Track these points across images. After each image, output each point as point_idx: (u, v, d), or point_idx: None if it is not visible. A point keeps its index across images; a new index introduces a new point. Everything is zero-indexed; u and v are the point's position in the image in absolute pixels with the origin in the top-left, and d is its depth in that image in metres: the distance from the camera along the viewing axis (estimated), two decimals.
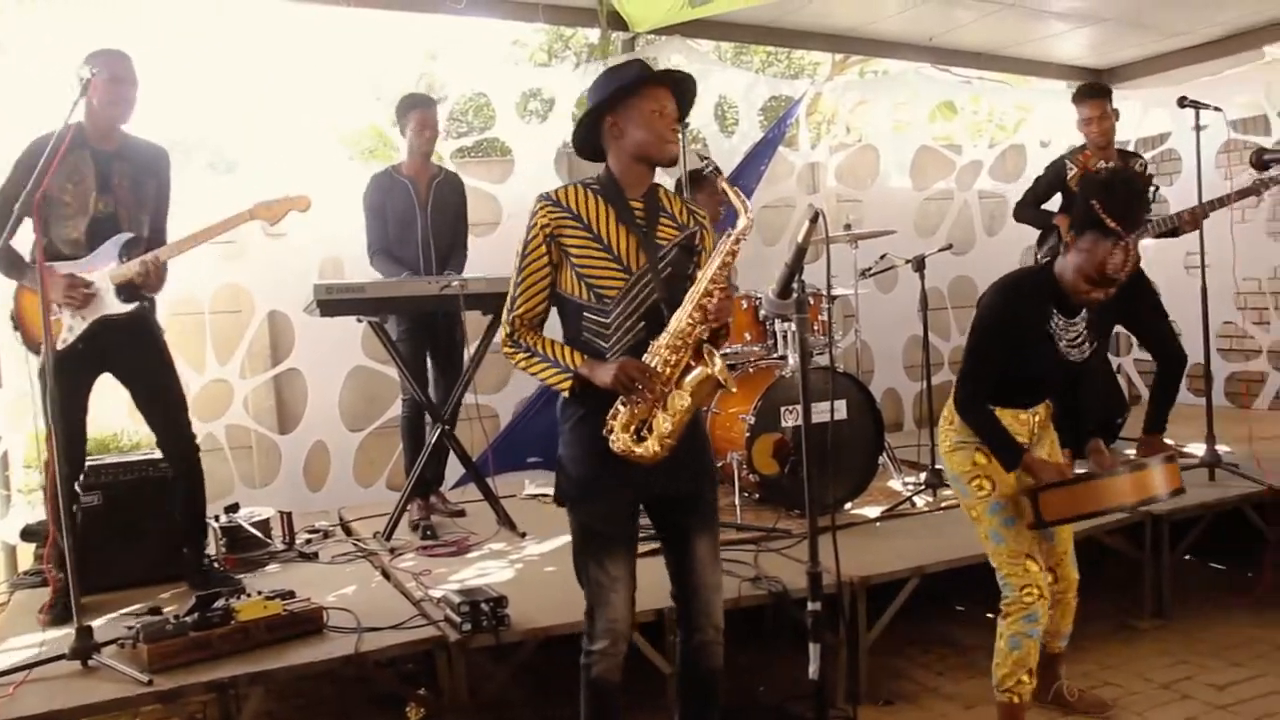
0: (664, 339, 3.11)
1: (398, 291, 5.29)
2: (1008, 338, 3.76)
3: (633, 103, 3.19)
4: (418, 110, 5.77)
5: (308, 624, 3.98)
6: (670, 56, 7.55)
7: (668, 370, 3.09)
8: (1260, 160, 3.53)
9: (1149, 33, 7.99)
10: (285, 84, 6.65)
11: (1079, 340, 3.83)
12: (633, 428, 3.09)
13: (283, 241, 6.48)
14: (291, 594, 4.09)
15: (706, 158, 3.50)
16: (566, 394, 3.16)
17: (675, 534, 3.33)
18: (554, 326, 3.27)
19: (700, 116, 7.84)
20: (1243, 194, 6.05)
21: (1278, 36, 7.97)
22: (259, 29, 7.96)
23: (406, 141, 5.81)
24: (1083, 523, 4.13)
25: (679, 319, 3.11)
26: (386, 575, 4.87)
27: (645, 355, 3.12)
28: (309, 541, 5.54)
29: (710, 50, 8.36)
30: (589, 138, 3.32)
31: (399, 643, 3.88)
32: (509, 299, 3.23)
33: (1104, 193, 3.58)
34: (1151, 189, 3.60)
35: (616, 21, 6.97)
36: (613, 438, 3.09)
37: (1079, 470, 3.86)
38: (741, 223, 3.22)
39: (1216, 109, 5.93)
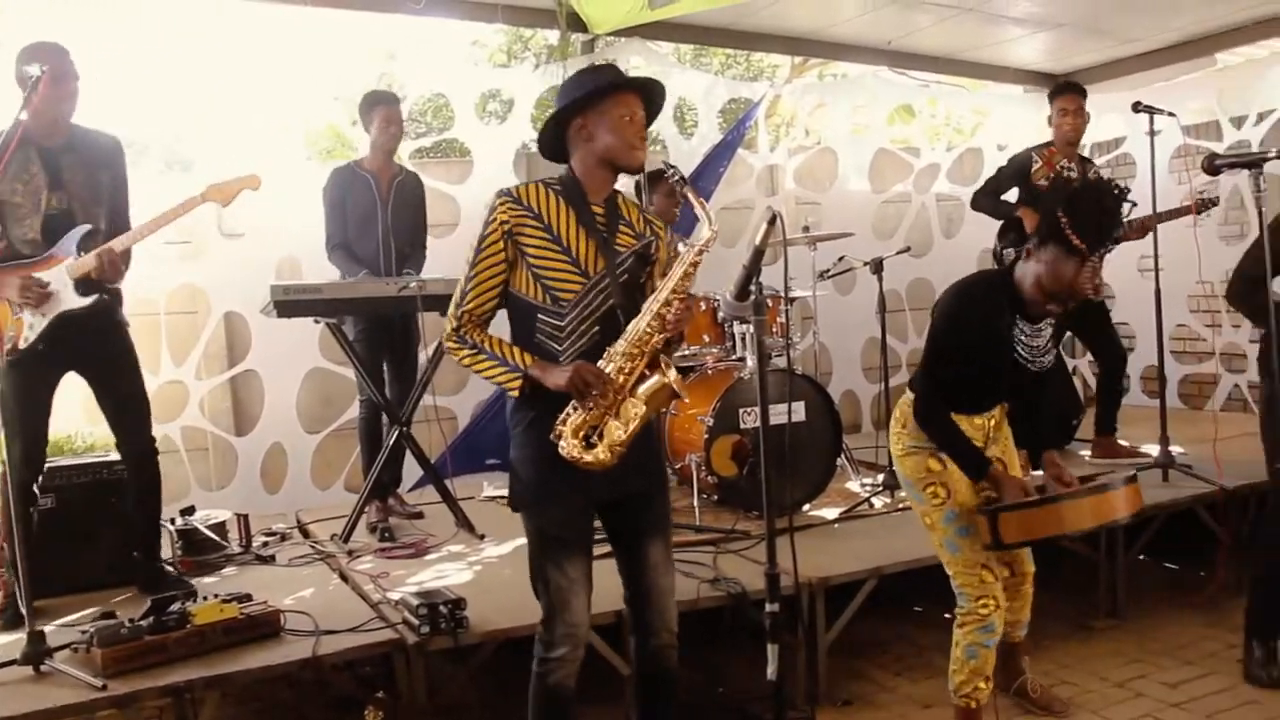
0: (621, 346, 3.10)
1: (355, 293, 5.27)
2: (965, 345, 3.71)
3: (604, 107, 3.16)
4: (383, 106, 5.76)
5: (265, 627, 3.94)
6: (629, 58, 7.55)
7: (622, 378, 3.08)
8: (1212, 166, 3.55)
9: (1104, 38, 8.08)
10: (242, 83, 6.60)
11: (1045, 349, 3.80)
12: (582, 434, 3.06)
13: (240, 242, 6.44)
14: (248, 597, 4.07)
15: (673, 166, 3.48)
16: (515, 395, 3.13)
17: (628, 537, 3.32)
18: (499, 325, 3.25)
19: (659, 118, 7.81)
20: (1186, 211, 6.14)
21: (1230, 43, 8.11)
22: (216, 27, 7.89)
23: (370, 138, 5.79)
24: None
25: (637, 326, 3.10)
26: (344, 578, 4.85)
27: (601, 361, 3.10)
28: (266, 544, 5.50)
29: (670, 52, 8.39)
30: (555, 138, 3.29)
31: (357, 645, 3.86)
32: (458, 292, 3.18)
33: (1071, 208, 3.49)
34: (1126, 205, 3.54)
35: (576, 23, 6.97)
36: (561, 443, 3.06)
37: (1035, 475, 3.88)
38: (706, 233, 3.21)
39: (1170, 114, 6.00)
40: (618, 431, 3.06)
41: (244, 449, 6.65)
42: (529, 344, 3.17)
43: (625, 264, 3.23)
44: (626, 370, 3.09)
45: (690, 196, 3.28)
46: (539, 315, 3.15)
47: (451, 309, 3.19)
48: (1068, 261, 3.49)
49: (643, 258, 3.29)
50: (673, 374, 3.08)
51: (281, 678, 3.93)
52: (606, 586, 3.36)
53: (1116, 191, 3.54)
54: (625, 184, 6.88)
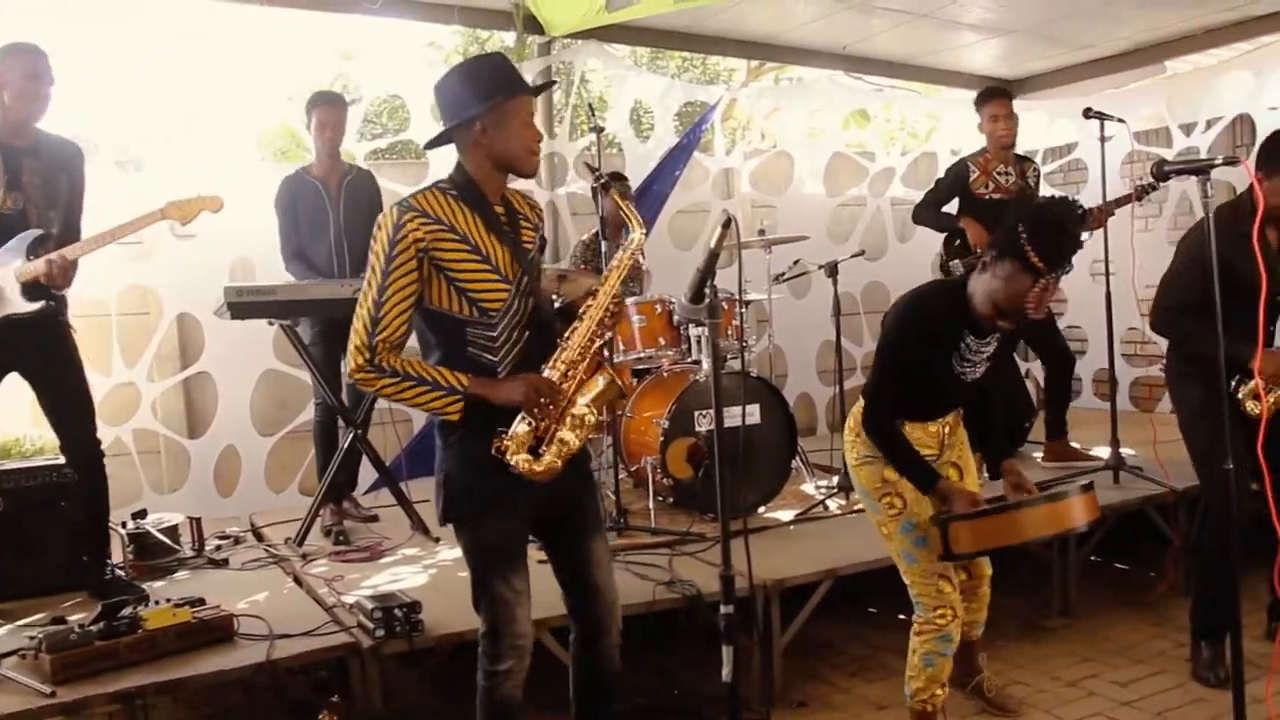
0: (565, 353, 3.08)
1: (309, 294, 5.24)
2: (917, 356, 3.69)
3: (506, 109, 3.05)
4: (317, 108, 5.74)
5: (218, 631, 3.92)
6: (586, 60, 7.57)
7: (568, 384, 3.08)
8: (1161, 172, 3.59)
9: (1057, 45, 8.16)
10: (195, 82, 6.55)
11: (982, 361, 3.79)
12: (528, 445, 3.03)
13: (192, 243, 6.38)
14: (201, 601, 4.03)
15: (596, 169, 3.48)
16: (455, 418, 2.99)
17: (567, 540, 3.30)
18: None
19: (616, 121, 7.86)
20: (1138, 194, 6.20)
21: (1179, 51, 8.21)
22: (168, 25, 7.83)
23: (311, 137, 5.78)
24: None
25: (581, 334, 3.09)
26: (299, 581, 4.82)
27: (546, 370, 3.07)
28: (219, 548, 5.46)
29: (626, 55, 8.41)
30: (451, 129, 3.13)
31: (311, 650, 3.85)
32: (367, 320, 2.96)
33: (1034, 227, 3.41)
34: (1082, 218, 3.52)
35: (532, 25, 6.97)
36: (510, 458, 3.00)
37: (992, 485, 3.89)
38: (635, 236, 3.20)
39: (1120, 120, 6.08)
40: (570, 437, 3.05)
41: (197, 451, 6.59)
42: (459, 360, 3.05)
43: (535, 260, 3.21)
44: (571, 376, 3.09)
45: (615, 199, 3.28)
46: (467, 329, 3.04)
47: (359, 339, 2.96)
48: (1023, 278, 3.44)
49: (541, 248, 3.28)
50: (612, 376, 3.11)
51: (235, 683, 3.89)
52: (555, 588, 3.35)
53: (1079, 214, 3.53)
54: (584, 186, 6.93)
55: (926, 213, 6.65)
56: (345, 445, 5.54)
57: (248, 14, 6.49)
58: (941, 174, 6.87)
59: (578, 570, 3.30)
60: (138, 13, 7.57)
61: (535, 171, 3.21)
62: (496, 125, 3.05)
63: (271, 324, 5.61)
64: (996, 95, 6.56)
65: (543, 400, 3.00)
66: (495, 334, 3.06)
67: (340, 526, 5.57)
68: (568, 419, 3.07)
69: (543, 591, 3.34)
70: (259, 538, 5.76)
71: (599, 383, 3.09)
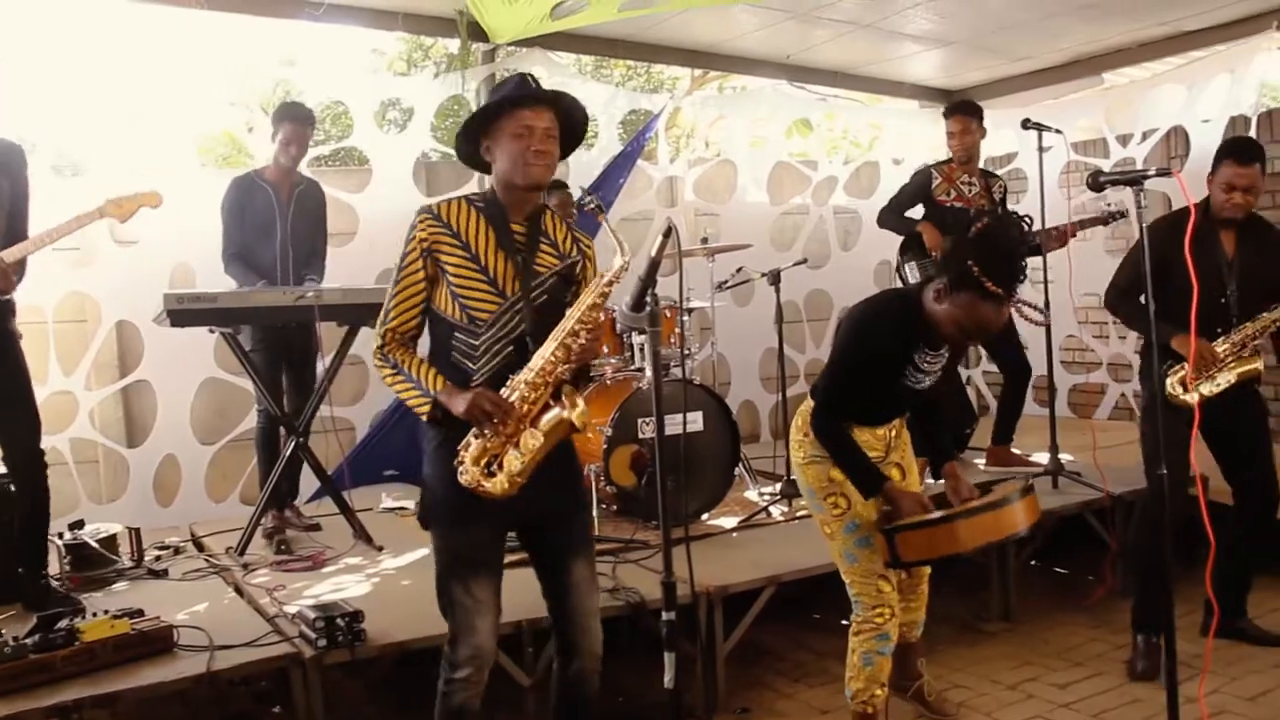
0: (524, 375, 3.07)
1: (251, 302, 5.20)
2: (871, 366, 3.72)
3: (499, 125, 3.11)
4: (287, 124, 5.68)
5: (157, 643, 3.88)
6: (531, 69, 7.53)
7: (525, 406, 3.05)
8: (1096, 182, 3.66)
9: (996, 56, 8.26)
10: (136, 86, 6.46)
11: (933, 373, 3.84)
12: (483, 461, 3.03)
13: (132, 249, 6.33)
14: (140, 612, 3.99)
15: (589, 192, 3.49)
16: (425, 418, 3.10)
17: (549, 558, 3.30)
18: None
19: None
20: (1094, 222, 6.34)
21: (1116, 64, 8.35)
22: (108, 27, 7.74)
23: (274, 148, 5.74)
24: None
25: (542, 355, 3.07)
26: (240, 591, 4.78)
27: (504, 389, 3.06)
28: (159, 558, 5.40)
29: (570, 63, 8.39)
30: (475, 157, 3.23)
31: (252, 660, 3.81)
32: (383, 310, 3.16)
33: (982, 257, 3.44)
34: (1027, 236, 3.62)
35: (477, 32, 6.94)
36: (461, 469, 3.04)
37: (931, 485, 3.94)
38: (618, 262, 3.17)
39: (1058, 131, 6.18)
40: (515, 462, 3.03)
41: (136, 461, 6.52)
42: (445, 362, 3.14)
43: (544, 285, 3.19)
44: (530, 399, 3.06)
45: (605, 225, 3.24)
46: (456, 334, 3.12)
47: (378, 327, 3.18)
48: (986, 305, 3.49)
49: (565, 278, 3.25)
50: (578, 409, 3.04)
51: (175, 695, 3.86)
52: (505, 597, 3.35)
53: (1019, 229, 3.57)
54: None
55: (890, 216, 6.78)
56: (287, 454, 5.50)
57: (188, 18, 6.42)
58: (889, 185, 6.97)
59: (557, 591, 3.30)
60: (75, 15, 7.47)
61: (537, 182, 3.16)
62: (494, 143, 3.15)
63: (213, 332, 5.56)
64: (955, 111, 6.70)
65: (489, 418, 3.00)
66: (478, 343, 3.11)
67: (282, 535, 5.53)
68: (521, 442, 3.05)
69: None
70: (199, 548, 5.70)
71: (553, 413, 3.05)
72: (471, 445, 3.04)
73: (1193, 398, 4.46)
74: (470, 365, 3.12)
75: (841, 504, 3.83)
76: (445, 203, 3.17)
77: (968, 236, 3.52)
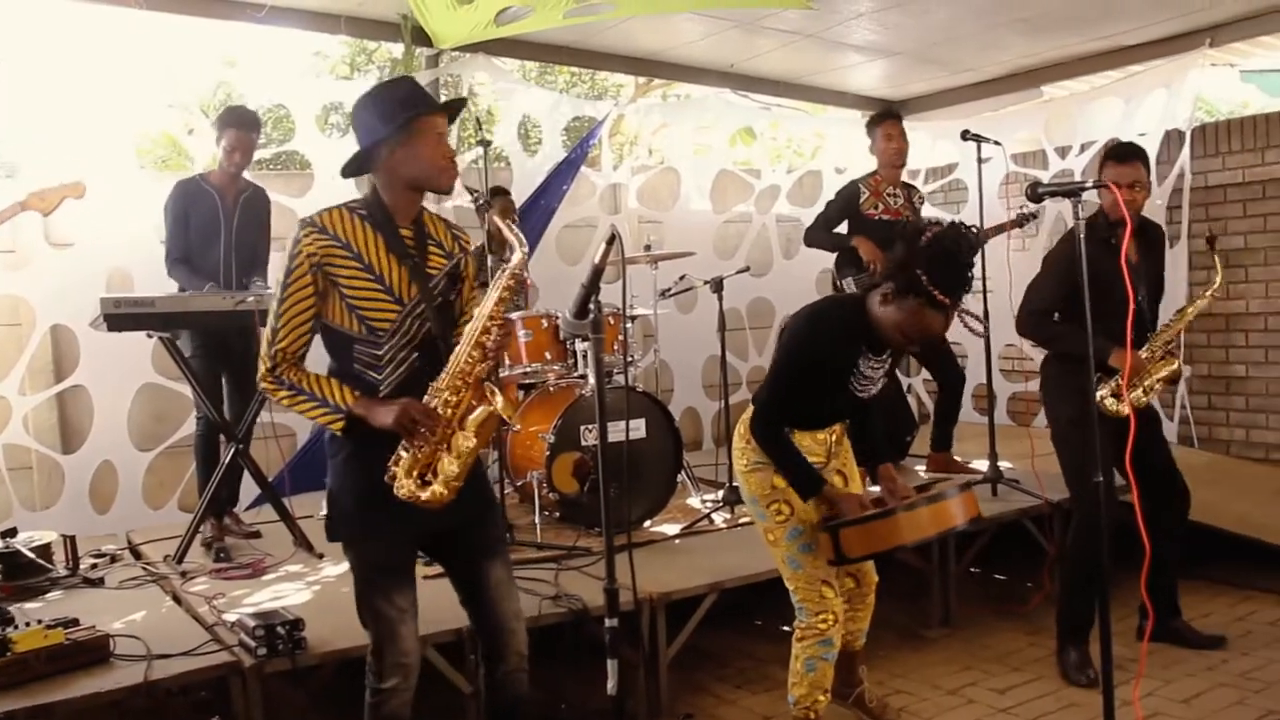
0: (444, 379, 3.06)
1: (189, 306, 5.15)
2: (813, 373, 3.74)
3: (412, 131, 3.09)
4: (231, 130, 5.62)
5: (92, 653, 3.81)
6: (474, 74, 7.56)
7: (449, 411, 3.04)
8: (1035, 193, 3.71)
9: (939, 67, 8.35)
10: (72, 86, 6.36)
11: (877, 379, 3.88)
12: (416, 472, 3.02)
13: (67, 252, 6.24)
14: (75, 622, 3.92)
15: (475, 190, 3.49)
16: (338, 433, 3.06)
17: (465, 564, 3.30)
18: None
19: (504, 136, 7.86)
20: (1010, 225, 6.43)
21: (1054, 77, 8.48)
22: (42, 27, 7.63)
23: (218, 154, 5.67)
24: None
25: (459, 358, 3.06)
26: (178, 600, 4.72)
27: (426, 397, 3.05)
28: (94, 566, 5.31)
29: (515, 69, 8.39)
30: (360, 162, 3.22)
31: (191, 670, 3.76)
32: (269, 331, 3.07)
33: (932, 266, 3.48)
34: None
35: (420, 37, 6.92)
36: (396, 485, 3.01)
37: (872, 490, 3.98)
38: (516, 256, 3.18)
39: (997, 143, 6.27)
40: (451, 466, 3.02)
41: (71, 467, 6.41)
42: (347, 375, 3.11)
43: (439, 286, 3.20)
44: (454, 403, 3.05)
45: (496, 220, 3.28)
46: (356, 346, 3.10)
47: (264, 349, 3.08)
48: (932, 312, 3.54)
49: (453, 277, 3.25)
50: (499, 401, 3.05)
51: (110, 705, 3.79)
52: (445, 604, 3.35)
53: (969, 243, 3.61)
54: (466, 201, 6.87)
55: (818, 234, 6.80)
56: (227, 460, 5.45)
57: (127, 18, 6.35)
58: (832, 195, 7.01)
59: (473, 593, 3.30)
60: (8, 14, 7.36)
61: (450, 188, 3.22)
62: (404, 146, 3.10)
63: (150, 336, 5.49)
64: (889, 117, 6.74)
65: (418, 427, 2.99)
66: (381, 353, 3.09)
67: (221, 543, 5.46)
68: (452, 447, 3.04)
69: (431, 608, 3.33)
70: (137, 555, 5.62)
71: (479, 411, 3.05)
72: (403, 459, 3.03)
73: (1125, 408, 4.53)
74: (375, 376, 3.10)
75: (784, 510, 3.85)
76: (326, 213, 3.11)
77: (919, 244, 3.55)
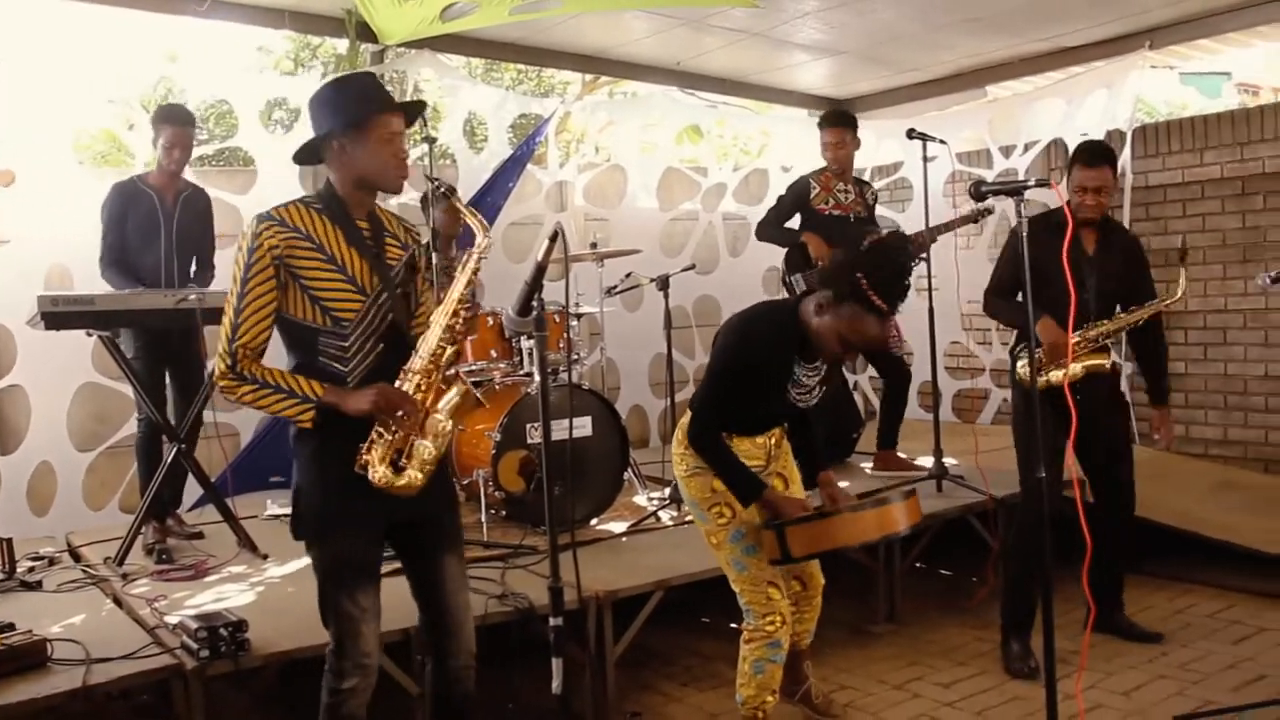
0: (417, 363, 3.09)
1: (130, 304, 5.07)
2: (748, 378, 3.74)
3: (365, 128, 3.10)
4: (167, 127, 5.55)
5: (29, 658, 3.73)
6: (420, 70, 7.50)
7: (422, 394, 3.07)
8: (978, 192, 3.75)
9: (884, 67, 8.40)
10: (8, 79, 6.26)
11: (813, 388, 3.88)
12: (389, 459, 3.03)
13: (3, 249, 6.12)
14: (11, 626, 3.86)
15: (437, 179, 3.49)
16: (309, 426, 3.04)
17: (421, 558, 3.30)
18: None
19: (449, 132, 7.81)
20: (963, 221, 6.48)
21: (998, 77, 8.57)
22: None
23: (157, 154, 5.59)
24: None
25: (429, 342, 3.10)
26: (118, 602, 4.65)
27: (398, 381, 3.07)
28: (32, 569, 5.21)
29: (461, 66, 8.34)
30: (313, 151, 3.23)
31: (131, 673, 3.70)
32: (228, 327, 3.04)
33: (871, 271, 3.51)
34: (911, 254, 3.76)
35: (365, 33, 6.86)
36: (371, 472, 3.02)
37: (810, 494, 4.01)
38: (481, 241, 3.24)
39: (942, 142, 6.32)
40: (427, 450, 3.04)
41: (8, 468, 6.29)
42: (311, 368, 3.10)
43: (399, 277, 3.21)
44: (425, 387, 3.08)
45: (459, 206, 3.30)
46: (320, 338, 3.10)
47: (222, 345, 3.05)
48: (869, 319, 3.56)
49: (411, 267, 3.28)
50: (460, 386, 3.11)
51: (48, 711, 3.72)
52: (392, 604, 3.32)
53: (908, 253, 3.67)
54: (414, 196, 6.83)
55: (769, 230, 6.83)
56: (169, 461, 5.38)
57: (65, 10, 6.25)
58: (778, 193, 7.03)
59: (429, 591, 3.30)
60: None
61: (400, 188, 3.24)
62: (355, 143, 3.11)
63: (90, 335, 5.41)
64: (830, 123, 6.79)
65: (396, 411, 3.01)
66: (347, 344, 3.10)
67: (164, 544, 5.40)
68: (427, 430, 3.06)
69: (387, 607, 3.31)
70: (76, 558, 5.52)
71: (453, 393, 3.10)
72: (376, 445, 3.03)
73: (1040, 382, 4.59)
74: (341, 367, 3.11)
75: (726, 514, 3.87)
76: (284, 208, 3.11)
77: (859, 251, 3.58)
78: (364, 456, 3.03)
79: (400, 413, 3.02)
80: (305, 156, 3.28)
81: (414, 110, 3.32)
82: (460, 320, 3.14)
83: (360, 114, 3.09)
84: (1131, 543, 5.19)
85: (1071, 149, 7.70)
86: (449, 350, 3.12)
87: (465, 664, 3.33)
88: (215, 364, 3.08)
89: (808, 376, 3.83)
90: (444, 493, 3.35)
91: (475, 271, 3.19)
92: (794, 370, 3.78)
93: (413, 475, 3.04)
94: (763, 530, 3.78)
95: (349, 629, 3.10)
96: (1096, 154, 4.81)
